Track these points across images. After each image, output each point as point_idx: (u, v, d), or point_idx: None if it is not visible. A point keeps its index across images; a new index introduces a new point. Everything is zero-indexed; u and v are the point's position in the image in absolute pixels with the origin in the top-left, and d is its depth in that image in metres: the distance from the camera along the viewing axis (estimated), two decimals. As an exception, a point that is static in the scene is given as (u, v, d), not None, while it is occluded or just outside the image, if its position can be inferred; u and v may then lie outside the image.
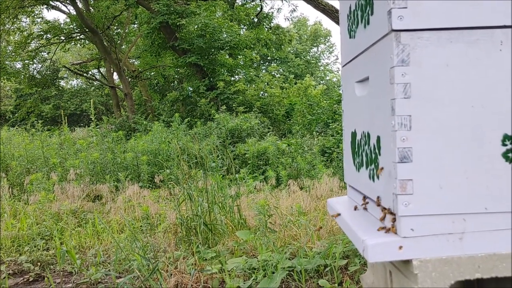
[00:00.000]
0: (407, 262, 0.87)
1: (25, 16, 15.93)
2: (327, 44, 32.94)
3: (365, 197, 1.13)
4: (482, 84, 0.84)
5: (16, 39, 16.18)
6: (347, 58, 1.23)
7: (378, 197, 0.96)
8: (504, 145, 0.84)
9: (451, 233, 0.85)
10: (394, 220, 0.88)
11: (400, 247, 0.85)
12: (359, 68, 1.11)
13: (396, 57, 0.84)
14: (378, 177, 0.97)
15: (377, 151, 0.97)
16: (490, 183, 0.84)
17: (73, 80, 26.22)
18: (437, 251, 0.85)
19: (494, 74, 0.84)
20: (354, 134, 1.19)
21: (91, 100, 10.11)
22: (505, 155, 0.84)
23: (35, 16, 15.88)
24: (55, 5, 15.60)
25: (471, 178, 0.84)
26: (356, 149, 1.16)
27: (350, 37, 1.19)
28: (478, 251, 0.85)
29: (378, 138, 0.95)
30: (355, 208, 1.17)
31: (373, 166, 1.00)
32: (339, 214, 1.11)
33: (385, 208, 0.91)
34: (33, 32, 15.75)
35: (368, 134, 1.03)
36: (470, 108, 0.84)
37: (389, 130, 0.87)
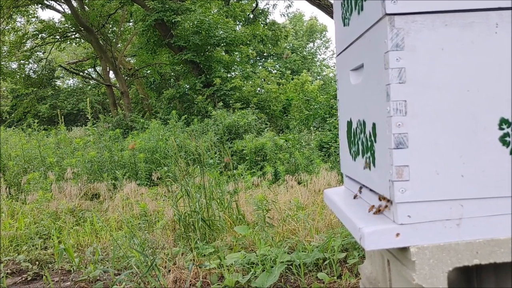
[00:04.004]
0: (405, 250, 0.86)
1: (19, 16, 15.85)
2: (323, 39, 32.92)
3: (361, 187, 1.12)
4: (477, 67, 0.83)
5: (11, 39, 16.10)
6: (341, 46, 1.22)
7: (380, 196, 0.94)
8: (501, 129, 0.83)
9: (449, 219, 0.84)
10: (386, 206, 0.88)
11: (397, 234, 0.84)
12: (354, 56, 1.09)
13: (391, 41, 0.82)
14: (374, 165, 0.96)
15: (372, 138, 0.95)
16: (487, 168, 0.83)
17: (69, 80, 26.12)
18: (434, 238, 0.83)
19: (490, 57, 0.83)
20: (349, 123, 1.18)
21: (88, 99, 10.08)
22: (502, 139, 0.83)
23: (30, 16, 15.81)
24: (49, 4, 15.54)
25: (468, 163, 0.83)
26: (352, 138, 1.15)
27: (344, 25, 1.18)
28: (476, 237, 0.84)
29: (374, 125, 0.94)
30: (355, 197, 1.16)
31: (369, 154, 0.99)
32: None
33: (388, 200, 0.90)
34: (28, 32, 15.68)
35: (364, 122, 1.02)
36: (466, 92, 0.83)
37: (384, 116, 0.86)
